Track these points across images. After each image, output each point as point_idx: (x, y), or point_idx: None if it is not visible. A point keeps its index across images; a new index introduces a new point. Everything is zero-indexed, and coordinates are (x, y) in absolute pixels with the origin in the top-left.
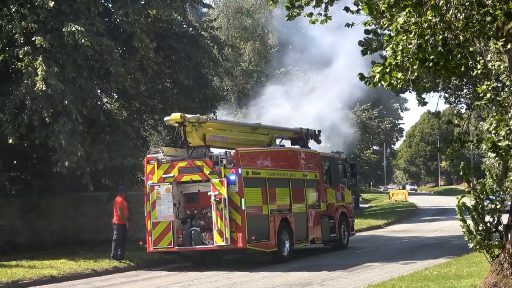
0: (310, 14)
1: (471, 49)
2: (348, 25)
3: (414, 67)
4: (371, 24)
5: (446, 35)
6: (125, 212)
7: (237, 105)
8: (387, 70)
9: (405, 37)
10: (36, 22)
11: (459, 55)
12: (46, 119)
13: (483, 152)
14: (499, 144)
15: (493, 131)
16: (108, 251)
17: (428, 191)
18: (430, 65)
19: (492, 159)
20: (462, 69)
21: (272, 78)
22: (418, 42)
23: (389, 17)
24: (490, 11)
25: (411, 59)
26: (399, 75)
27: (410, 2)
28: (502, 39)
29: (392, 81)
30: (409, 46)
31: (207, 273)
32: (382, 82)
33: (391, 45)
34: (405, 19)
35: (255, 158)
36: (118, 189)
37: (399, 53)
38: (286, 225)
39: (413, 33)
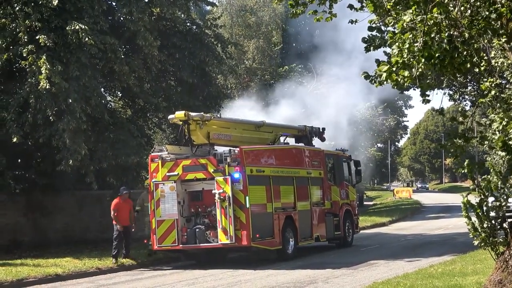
0: (315, 12)
1: (476, 46)
2: (351, 21)
3: (420, 65)
4: (376, 22)
5: (452, 32)
6: (126, 214)
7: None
8: (394, 68)
9: (411, 35)
10: (40, 21)
11: (465, 52)
12: (50, 117)
13: (486, 149)
14: (510, 142)
15: (501, 130)
16: (112, 248)
17: (432, 188)
18: (436, 62)
19: (496, 156)
20: (468, 66)
21: (276, 76)
22: (424, 39)
23: (394, 15)
24: (496, 7)
25: (417, 57)
26: (406, 73)
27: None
28: (506, 36)
29: (399, 80)
30: (415, 44)
31: (212, 271)
32: (388, 81)
33: (397, 43)
34: (411, 17)
35: (259, 156)
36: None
37: (405, 51)
38: (290, 223)
39: (419, 30)
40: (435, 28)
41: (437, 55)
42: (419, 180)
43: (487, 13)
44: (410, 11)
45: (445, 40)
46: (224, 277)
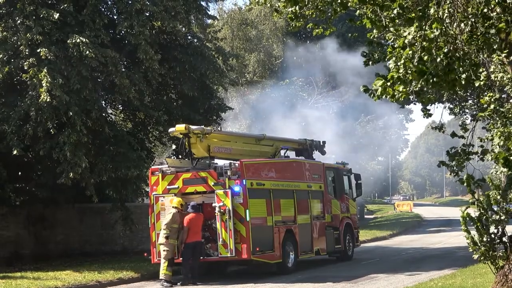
0: (314, 25)
1: (472, 61)
2: (351, 35)
3: (415, 81)
4: (375, 36)
5: (449, 48)
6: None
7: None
8: (389, 83)
9: (410, 51)
10: (41, 34)
11: (460, 69)
12: (51, 130)
13: (488, 163)
14: (511, 158)
15: (502, 145)
16: (112, 261)
17: (433, 202)
18: (429, 78)
19: (495, 170)
20: (463, 82)
21: (277, 89)
22: (420, 55)
23: (394, 31)
24: (495, 23)
25: (412, 72)
26: (401, 88)
27: (415, 15)
28: (506, 51)
29: (395, 94)
30: (412, 60)
31: (212, 285)
32: (385, 95)
33: (393, 59)
34: (414, 35)
35: (260, 169)
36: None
37: (402, 66)
38: (290, 236)
39: (418, 46)
40: (434, 43)
41: (430, 71)
42: None
43: (482, 29)
44: (413, 28)
45: (441, 56)
46: None
